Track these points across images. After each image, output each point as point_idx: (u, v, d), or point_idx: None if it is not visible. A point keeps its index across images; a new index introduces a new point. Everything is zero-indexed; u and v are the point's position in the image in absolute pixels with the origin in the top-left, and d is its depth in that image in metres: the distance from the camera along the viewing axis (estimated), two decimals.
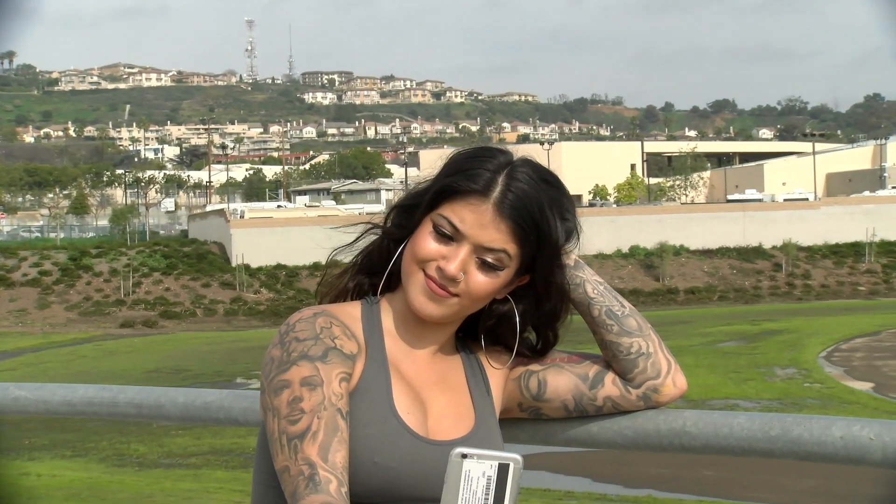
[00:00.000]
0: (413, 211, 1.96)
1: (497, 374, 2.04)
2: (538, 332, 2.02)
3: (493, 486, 1.56)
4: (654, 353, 1.99)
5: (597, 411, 2.02)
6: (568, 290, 1.98)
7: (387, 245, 1.98)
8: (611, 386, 2.00)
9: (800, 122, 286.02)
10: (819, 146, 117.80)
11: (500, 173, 1.88)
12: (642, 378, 1.99)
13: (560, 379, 2.01)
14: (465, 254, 1.88)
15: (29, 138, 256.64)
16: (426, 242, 1.90)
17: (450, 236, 1.88)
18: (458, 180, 1.89)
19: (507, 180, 1.88)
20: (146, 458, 22.23)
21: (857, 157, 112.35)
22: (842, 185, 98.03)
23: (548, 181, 1.91)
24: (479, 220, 1.87)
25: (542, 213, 1.89)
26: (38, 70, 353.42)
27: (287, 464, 1.75)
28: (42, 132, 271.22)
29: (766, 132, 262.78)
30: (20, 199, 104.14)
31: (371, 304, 1.98)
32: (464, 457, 1.57)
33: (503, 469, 1.57)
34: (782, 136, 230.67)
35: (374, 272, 2.00)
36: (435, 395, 1.93)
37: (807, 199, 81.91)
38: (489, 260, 1.87)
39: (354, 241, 2.03)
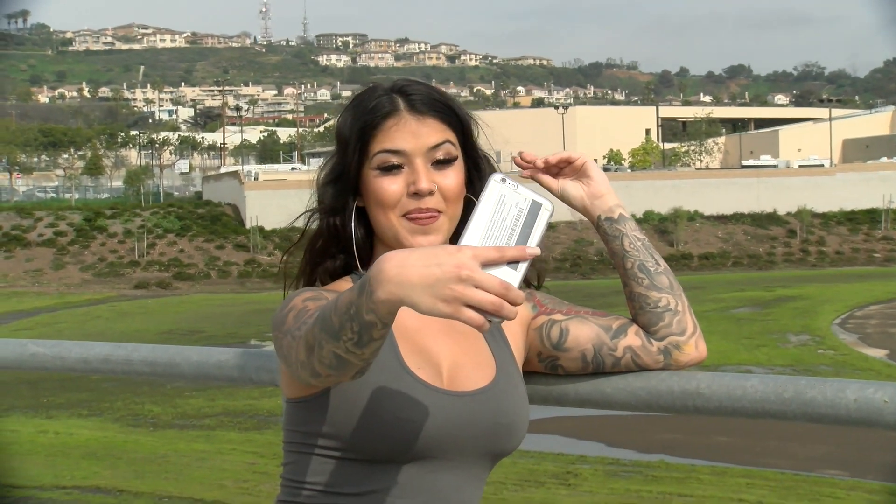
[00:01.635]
0: (343, 176, 1.95)
1: (513, 324, 2.02)
2: None
3: (522, 220, 1.55)
4: (681, 311, 1.99)
5: (614, 364, 2.00)
6: (493, 168, 2.00)
7: (332, 223, 1.98)
8: (633, 336, 1.99)
9: (816, 88, 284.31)
10: (836, 112, 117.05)
11: (392, 92, 1.94)
12: (666, 332, 1.98)
13: (583, 328, 2.00)
14: (421, 166, 1.89)
15: (43, 98, 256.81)
16: (383, 186, 1.90)
17: (397, 165, 1.89)
18: (367, 118, 1.92)
19: (401, 92, 1.94)
20: (160, 419, 22.37)
21: (874, 123, 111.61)
22: (858, 152, 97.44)
23: (427, 83, 1.99)
24: (408, 132, 1.90)
25: (445, 96, 1.95)
26: (52, 30, 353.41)
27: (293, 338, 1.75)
28: (56, 92, 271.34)
29: (781, 98, 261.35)
30: (35, 160, 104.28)
31: (358, 276, 1.98)
32: (503, 181, 1.56)
33: (535, 207, 1.57)
34: (798, 101, 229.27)
35: (332, 255, 1.99)
36: (447, 345, 1.92)
37: (822, 166, 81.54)
38: (441, 156, 1.90)
39: (300, 238, 2.03)
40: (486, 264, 1.48)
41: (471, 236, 1.54)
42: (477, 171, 1.98)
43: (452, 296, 1.45)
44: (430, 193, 1.89)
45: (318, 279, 2.01)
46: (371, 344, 1.57)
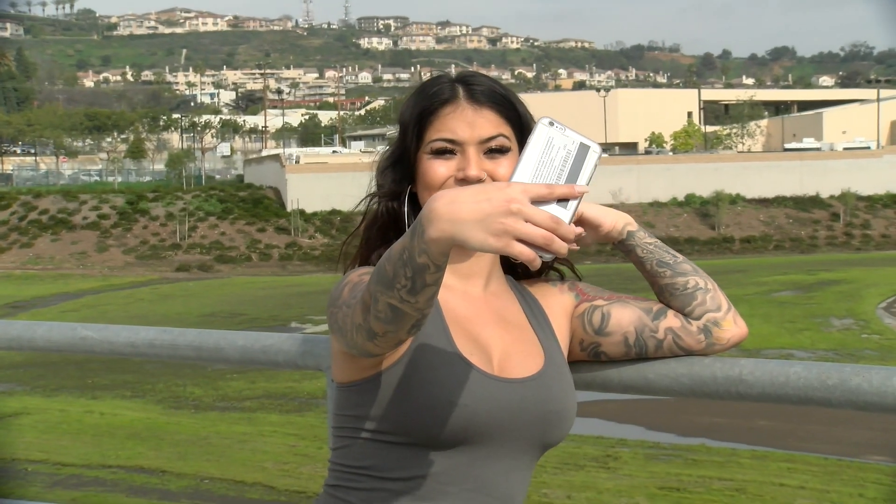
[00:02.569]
0: (401, 162, 1.98)
1: (558, 315, 2.05)
2: None
3: (570, 161, 1.56)
4: (712, 290, 2.01)
5: (656, 347, 2.02)
6: None
7: (390, 207, 2.00)
8: (673, 318, 2.01)
9: (864, 69, 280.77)
10: (884, 93, 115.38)
11: (455, 82, 1.96)
12: (702, 310, 1.99)
13: (624, 312, 2.02)
14: (474, 155, 1.91)
15: (89, 83, 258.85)
16: (433, 168, 1.92)
17: (451, 151, 1.91)
18: (425, 104, 1.94)
19: (464, 82, 1.96)
20: (202, 401, 22.54)
21: None
22: None
23: (492, 78, 2.01)
24: (465, 121, 1.91)
25: (506, 90, 1.96)
26: (97, 15, 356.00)
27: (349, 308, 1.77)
28: (101, 77, 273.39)
29: (826, 80, 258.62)
30: (80, 144, 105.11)
31: None
32: (551, 124, 1.57)
33: (583, 149, 1.58)
34: (844, 83, 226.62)
35: (388, 239, 1.98)
36: (497, 333, 1.93)
37: (868, 148, 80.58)
38: (495, 146, 1.92)
39: (362, 221, 2.05)
40: (536, 200, 1.49)
41: (520, 175, 1.55)
42: None
43: (503, 229, 1.46)
44: (479, 181, 1.89)
45: (373, 262, 2.01)
46: (425, 290, 1.58)
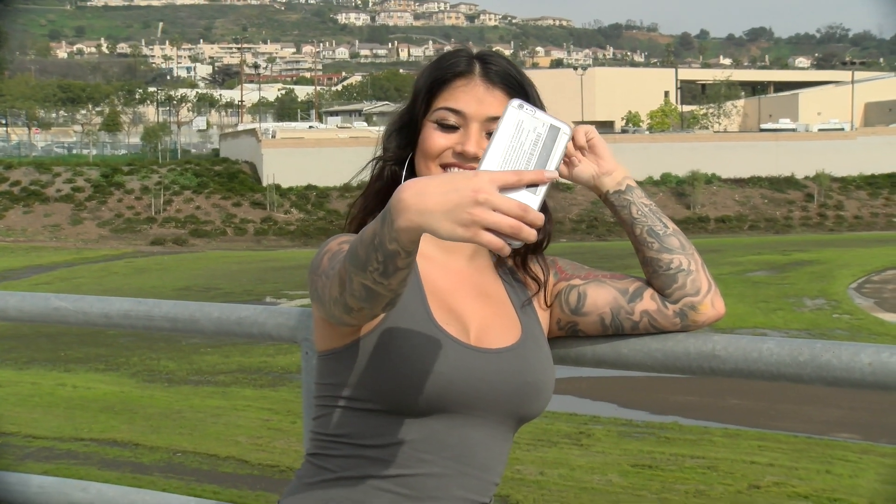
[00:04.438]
0: (409, 127, 1.99)
1: (539, 295, 2.06)
2: None
3: (540, 144, 1.56)
4: (694, 271, 2.00)
5: (633, 327, 2.03)
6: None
7: (391, 171, 2.01)
8: (649, 300, 2.02)
9: (839, 51, 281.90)
10: (859, 75, 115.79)
11: (473, 57, 1.97)
12: (680, 294, 2.00)
13: (600, 292, 2.03)
14: (476, 132, 1.92)
15: (62, 54, 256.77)
16: (434, 138, 1.93)
17: (454, 125, 1.92)
18: (440, 73, 1.96)
19: (482, 59, 1.96)
20: (175, 375, 22.48)
21: None
22: (881, 115, 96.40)
23: (511, 60, 2.01)
24: (474, 96, 1.92)
25: (521, 75, 1.97)
26: None
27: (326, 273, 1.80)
28: (75, 48, 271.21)
29: (802, 61, 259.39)
30: (54, 116, 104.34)
31: None
32: (520, 107, 1.57)
33: (553, 131, 1.57)
34: (820, 64, 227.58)
35: (386, 203, 2.02)
36: (476, 306, 1.95)
37: (842, 129, 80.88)
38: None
39: (369, 182, 2.05)
40: (504, 188, 1.49)
41: (489, 162, 1.54)
42: None
43: (471, 220, 1.47)
44: (476, 159, 1.91)
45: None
46: (397, 274, 1.59)
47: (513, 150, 1.55)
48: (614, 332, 2.05)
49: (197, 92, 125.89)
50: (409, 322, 1.85)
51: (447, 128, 1.93)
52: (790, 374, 1.96)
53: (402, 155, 2.00)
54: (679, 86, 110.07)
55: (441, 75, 1.95)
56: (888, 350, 1.89)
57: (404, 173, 1.98)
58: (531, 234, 1.48)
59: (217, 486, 13.90)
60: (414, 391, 1.79)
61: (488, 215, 1.46)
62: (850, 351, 1.91)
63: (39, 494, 3.01)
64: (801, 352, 1.95)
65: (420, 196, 1.50)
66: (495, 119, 1.90)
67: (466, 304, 1.94)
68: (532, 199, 1.51)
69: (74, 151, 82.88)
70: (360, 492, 1.86)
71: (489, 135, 1.91)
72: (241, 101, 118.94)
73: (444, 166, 1.92)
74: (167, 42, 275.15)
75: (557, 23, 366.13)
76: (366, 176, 2.05)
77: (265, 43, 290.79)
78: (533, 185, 1.52)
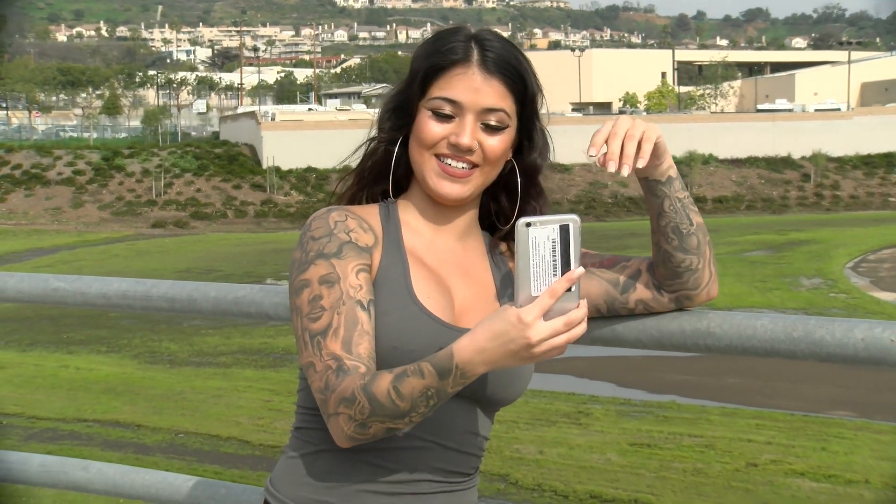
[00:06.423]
0: (403, 108, 1.98)
1: None
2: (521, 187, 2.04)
3: (558, 247, 1.67)
4: (700, 269, 1.98)
5: (628, 312, 2.05)
6: (546, 143, 2.03)
7: (385, 150, 2.00)
8: (643, 289, 2.02)
9: (836, 31, 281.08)
10: (855, 55, 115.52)
11: (470, 41, 1.93)
12: (681, 287, 2.00)
13: (590, 284, 2.02)
14: (472, 123, 1.91)
15: (61, 37, 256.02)
16: (430, 127, 1.92)
17: (450, 115, 1.91)
18: (437, 59, 1.93)
19: (480, 44, 1.93)
20: (177, 356, 22.51)
21: (895, 65, 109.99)
22: (878, 95, 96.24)
23: (509, 41, 1.98)
24: (471, 86, 1.90)
25: (520, 63, 1.94)
26: None
27: (312, 360, 1.80)
28: (74, 31, 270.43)
29: (799, 41, 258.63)
30: (54, 99, 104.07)
31: (388, 204, 2.01)
32: (528, 225, 1.66)
33: (564, 230, 1.67)
34: (816, 45, 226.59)
35: (379, 180, 2.02)
36: (459, 285, 1.95)
37: (838, 110, 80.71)
38: (493, 122, 1.91)
39: (363, 158, 2.05)
40: (546, 311, 1.64)
41: (523, 289, 1.66)
42: (529, 141, 2.00)
43: (531, 357, 1.66)
44: (470, 151, 1.91)
45: (357, 201, 2.04)
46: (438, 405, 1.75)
47: (537, 266, 1.66)
48: (610, 316, 2.06)
49: (196, 75, 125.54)
50: (388, 298, 1.86)
51: (442, 117, 1.91)
52: (784, 351, 1.97)
53: (396, 136, 1.99)
54: (676, 67, 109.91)
55: (438, 61, 1.92)
56: (881, 326, 1.90)
57: (397, 152, 1.98)
58: (583, 329, 1.67)
59: (219, 467, 13.95)
60: (386, 367, 1.79)
61: (545, 348, 1.65)
62: (843, 327, 1.92)
63: (41, 473, 3.03)
64: (795, 328, 1.96)
65: (481, 353, 1.66)
66: (491, 110, 1.90)
67: (450, 282, 1.95)
68: (572, 297, 1.66)
69: (75, 135, 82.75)
70: (341, 464, 1.88)
71: (485, 126, 1.91)
72: (241, 83, 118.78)
73: (439, 156, 1.92)
74: (166, 25, 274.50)
75: (555, 4, 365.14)
76: (360, 157, 2.06)
77: (264, 26, 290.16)
78: (567, 289, 1.66)
